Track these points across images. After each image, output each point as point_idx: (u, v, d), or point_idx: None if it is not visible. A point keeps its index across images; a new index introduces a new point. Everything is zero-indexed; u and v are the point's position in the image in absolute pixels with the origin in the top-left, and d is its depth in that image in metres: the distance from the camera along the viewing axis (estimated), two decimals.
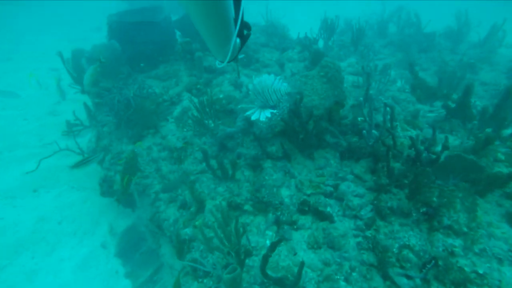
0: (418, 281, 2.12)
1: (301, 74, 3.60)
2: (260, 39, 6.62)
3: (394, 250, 2.30)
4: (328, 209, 2.69)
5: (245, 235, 2.61)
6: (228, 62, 1.41)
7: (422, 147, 2.67)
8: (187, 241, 2.90)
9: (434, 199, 2.43)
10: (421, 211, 2.46)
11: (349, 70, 5.54)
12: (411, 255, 2.25)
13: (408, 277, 2.15)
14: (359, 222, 2.60)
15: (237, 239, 2.28)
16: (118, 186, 3.98)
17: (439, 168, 2.63)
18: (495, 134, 2.97)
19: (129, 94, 4.58)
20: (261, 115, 2.88)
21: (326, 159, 3.30)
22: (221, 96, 4.40)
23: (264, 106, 3.02)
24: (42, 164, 5.25)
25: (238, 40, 1.42)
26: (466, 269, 2.06)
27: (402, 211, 2.52)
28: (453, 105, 3.60)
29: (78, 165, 4.40)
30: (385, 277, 2.23)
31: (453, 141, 3.22)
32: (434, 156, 2.60)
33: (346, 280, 2.25)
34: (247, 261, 2.43)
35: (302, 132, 3.27)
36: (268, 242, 2.63)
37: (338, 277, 2.27)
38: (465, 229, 2.30)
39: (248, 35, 1.51)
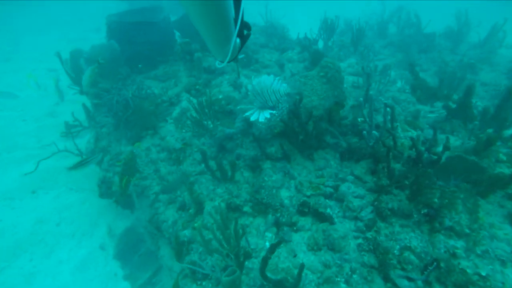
0: (419, 283, 2.09)
1: (300, 75, 3.58)
2: (260, 40, 6.60)
3: (395, 251, 2.28)
4: (328, 210, 2.67)
5: (245, 237, 2.59)
6: (228, 62, 1.41)
7: (423, 148, 2.65)
8: (186, 243, 2.87)
9: (436, 200, 2.41)
10: (422, 212, 2.44)
11: (349, 70, 5.52)
12: (412, 257, 2.22)
13: (410, 279, 2.13)
14: (360, 224, 2.57)
15: (236, 241, 2.26)
16: (117, 188, 3.96)
17: (440, 169, 2.61)
18: (497, 135, 2.95)
19: (127, 95, 4.56)
20: (260, 116, 2.86)
21: (326, 160, 3.27)
22: (220, 96, 4.38)
23: (263, 107, 3.00)
24: (41, 165, 5.22)
25: (238, 40, 1.41)
26: (469, 271, 2.04)
27: (403, 212, 2.50)
28: (453, 106, 3.58)
29: (76, 166, 4.39)
30: (386, 279, 2.21)
31: (454, 141, 3.20)
32: (435, 157, 2.58)
33: (347, 282, 2.23)
34: (246, 263, 2.40)
35: (302, 132, 3.24)
36: (267, 244, 2.60)
37: (339, 279, 2.24)
38: (467, 231, 2.28)
39: (248, 35, 1.51)
